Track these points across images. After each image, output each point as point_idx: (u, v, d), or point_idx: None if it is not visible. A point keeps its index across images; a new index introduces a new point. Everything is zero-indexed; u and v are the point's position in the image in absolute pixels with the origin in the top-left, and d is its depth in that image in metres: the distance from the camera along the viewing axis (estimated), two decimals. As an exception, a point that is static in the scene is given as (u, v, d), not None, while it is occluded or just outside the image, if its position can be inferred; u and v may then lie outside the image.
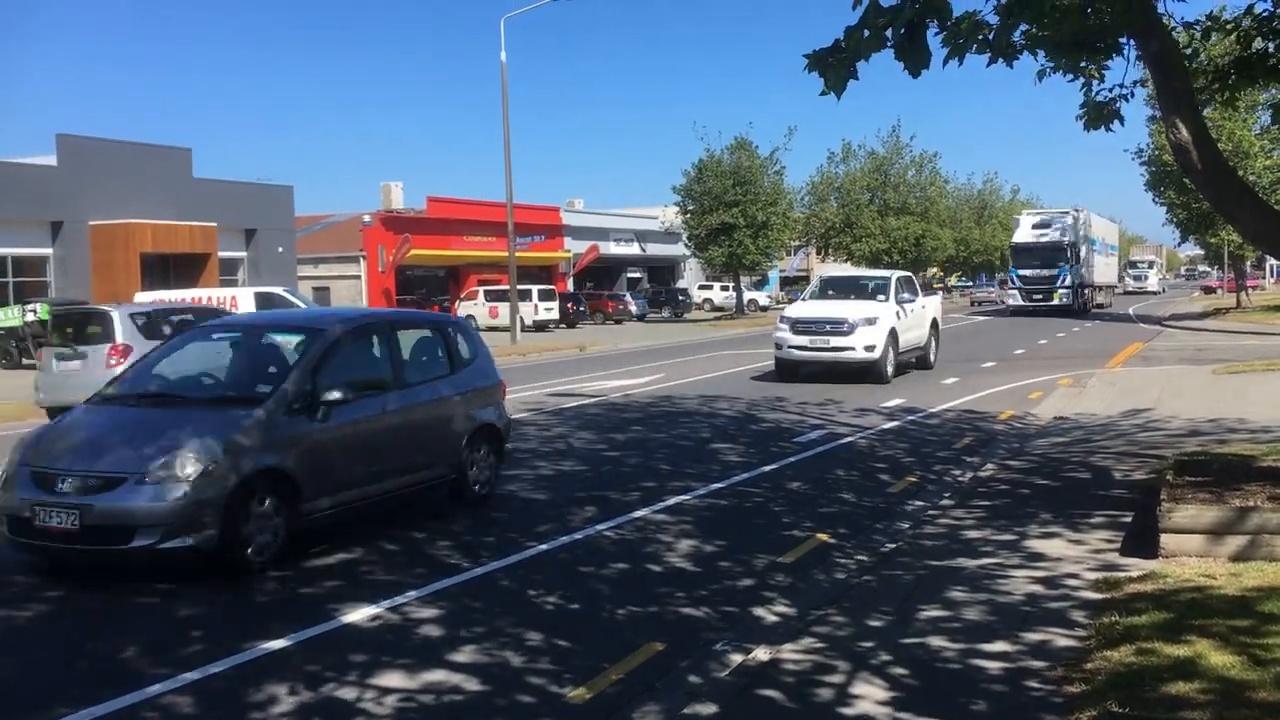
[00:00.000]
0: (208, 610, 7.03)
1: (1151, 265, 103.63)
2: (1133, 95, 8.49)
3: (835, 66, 5.52)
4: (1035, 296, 50.24)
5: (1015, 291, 52.07)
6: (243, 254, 45.38)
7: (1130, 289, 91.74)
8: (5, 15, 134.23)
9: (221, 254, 42.41)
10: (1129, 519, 8.37)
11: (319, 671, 5.78)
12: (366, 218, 52.32)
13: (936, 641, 5.79)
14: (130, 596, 7.40)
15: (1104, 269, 60.61)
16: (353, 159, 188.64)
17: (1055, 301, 49.61)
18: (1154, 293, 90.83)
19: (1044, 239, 51.32)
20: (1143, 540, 7.49)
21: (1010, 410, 16.02)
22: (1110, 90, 8.47)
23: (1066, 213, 53.20)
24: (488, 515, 9.56)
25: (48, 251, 38.53)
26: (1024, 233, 53.15)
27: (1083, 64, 8.08)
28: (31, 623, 6.94)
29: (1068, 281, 49.95)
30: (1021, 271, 51.38)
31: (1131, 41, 7.87)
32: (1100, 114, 8.41)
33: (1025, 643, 5.71)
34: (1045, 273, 50.19)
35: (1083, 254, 51.90)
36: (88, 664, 6.13)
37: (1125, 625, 5.66)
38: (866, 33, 5.36)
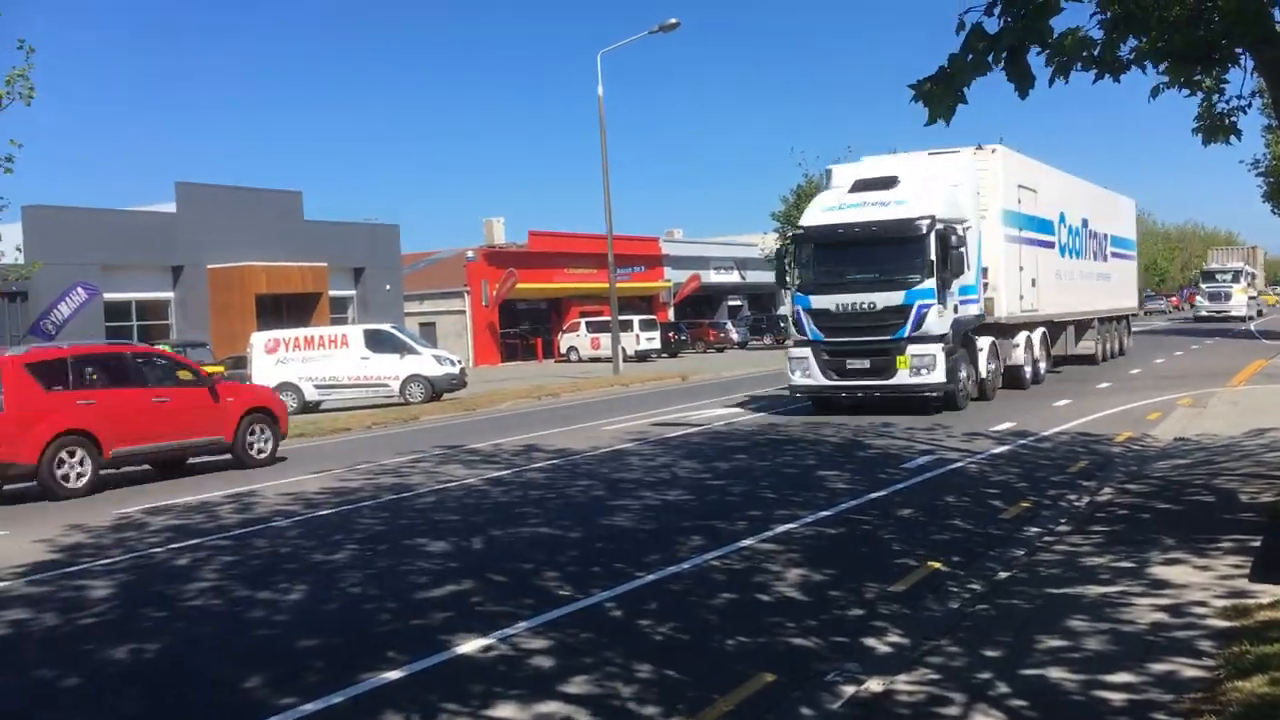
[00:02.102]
0: (325, 641, 7.20)
1: (1238, 277, 65.75)
2: (1250, 106, 8.25)
3: (940, 95, 5.49)
4: (851, 365, 19.66)
5: (806, 354, 20.14)
6: (352, 292, 46.63)
7: (1206, 312, 62.46)
8: (125, 74, 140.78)
9: (331, 293, 43.67)
10: (1257, 543, 8.03)
11: (435, 702, 5.87)
12: (470, 254, 53.34)
13: (1057, 672, 5.63)
14: (251, 629, 7.65)
15: (1086, 285, 28.58)
16: (455, 196, 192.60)
17: (905, 378, 19.16)
18: (1241, 318, 60.63)
19: (875, 218, 19.70)
20: (1273, 565, 7.19)
21: (1127, 432, 15.55)
22: (1227, 102, 8.25)
23: (947, 154, 21.60)
24: (592, 546, 9.61)
25: (169, 295, 40.07)
26: (831, 205, 20.81)
27: (1197, 77, 7.88)
28: (156, 654, 7.19)
29: (935, 327, 19.13)
30: (818, 302, 20.06)
31: (1246, 51, 7.67)
32: (1218, 127, 8.18)
33: (1150, 673, 5.51)
34: (873, 300, 19.42)
35: (992, 254, 21.37)
36: (209, 694, 6.32)
37: (1257, 654, 5.43)
38: (970, 57, 5.33)
